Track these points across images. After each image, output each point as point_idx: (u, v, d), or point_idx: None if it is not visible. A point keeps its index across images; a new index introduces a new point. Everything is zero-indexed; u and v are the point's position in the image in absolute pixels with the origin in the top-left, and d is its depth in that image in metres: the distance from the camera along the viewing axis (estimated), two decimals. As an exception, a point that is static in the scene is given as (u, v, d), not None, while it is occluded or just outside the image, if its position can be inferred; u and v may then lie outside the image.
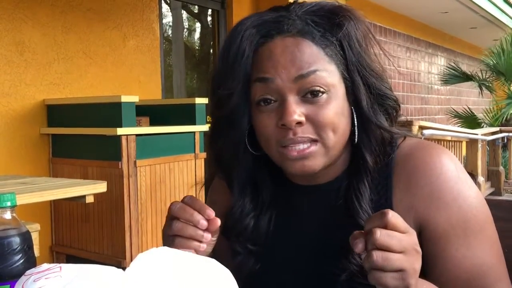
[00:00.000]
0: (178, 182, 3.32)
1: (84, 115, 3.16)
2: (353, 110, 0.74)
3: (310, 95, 0.71)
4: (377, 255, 0.56)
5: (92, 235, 3.16)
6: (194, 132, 3.44)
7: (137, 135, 3.03)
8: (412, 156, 0.75)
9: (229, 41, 0.74)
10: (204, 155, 3.52)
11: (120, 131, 2.92)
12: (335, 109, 0.72)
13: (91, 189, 2.06)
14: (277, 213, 0.81)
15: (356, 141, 0.75)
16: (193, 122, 3.45)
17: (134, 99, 3.03)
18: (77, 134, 3.17)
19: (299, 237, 0.80)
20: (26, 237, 0.71)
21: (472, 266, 0.72)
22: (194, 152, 3.44)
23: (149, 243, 3.14)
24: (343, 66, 0.73)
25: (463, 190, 0.74)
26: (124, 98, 2.95)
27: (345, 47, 0.72)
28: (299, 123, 0.70)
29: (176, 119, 3.48)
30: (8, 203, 0.71)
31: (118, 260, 3.01)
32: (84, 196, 2.03)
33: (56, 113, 3.30)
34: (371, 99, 0.74)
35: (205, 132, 3.55)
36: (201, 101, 3.53)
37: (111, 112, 2.98)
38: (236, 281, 0.77)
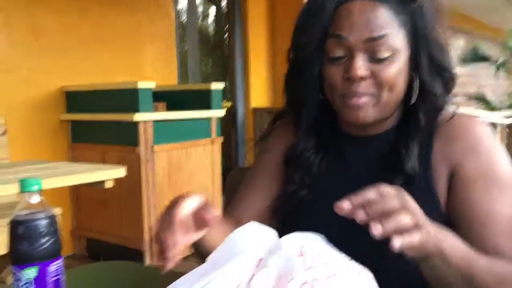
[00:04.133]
0: (194, 167, 3.36)
1: (102, 101, 3.20)
2: (414, 75, 0.83)
3: (376, 56, 0.79)
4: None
5: (112, 218, 3.22)
6: (210, 118, 3.46)
7: (154, 120, 3.06)
8: (455, 119, 0.84)
9: (312, 0, 0.84)
10: (220, 139, 3.54)
11: (137, 116, 2.95)
12: (396, 71, 0.80)
13: (110, 174, 2.10)
14: (328, 158, 0.90)
15: (412, 103, 0.83)
16: (209, 107, 3.47)
17: (151, 85, 3.05)
18: (96, 120, 3.22)
19: (345, 181, 0.87)
20: (52, 220, 0.74)
21: (489, 213, 0.77)
22: (211, 137, 3.46)
23: (167, 227, 3.19)
24: (411, 34, 0.81)
25: (496, 152, 0.81)
26: (141, 84, 2.98)
27: (417, 17, 0.81)
28: (363, 78, 0.79)
29: (192, 104, 3.50)
30: (35, 187, 0.73)
31: (138, 243, 3.07)
32: (103, 181, 2.07)
33: (75, 99, 3.35)
34: (431, 69, 0.82)
35: (221, 118, 3.57)
36: (217, 86, 3.54)
37: (128, 98, 3.01)
38: (285, 205, 0.90)
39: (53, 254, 0.73)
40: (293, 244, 0.62)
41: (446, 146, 0.82)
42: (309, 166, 0.90)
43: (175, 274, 1.20)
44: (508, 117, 6.09)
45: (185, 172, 3.29)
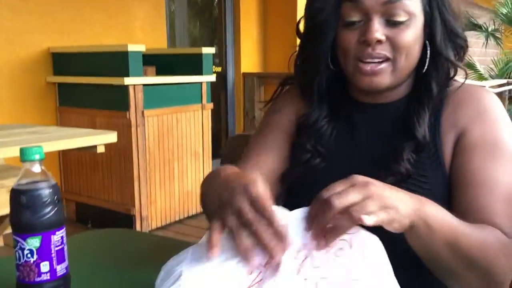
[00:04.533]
0: (185, 132, 3.33)
1: (90, 64, 3.13)
2: (427, 43, 0.83)
3: (393, 19, 0.79)
4: (353, 211, 0.58)
5: (101, 183, 3.20)
6: (201, 83, 3.41)
7: (144, 85, 3.01)
8: (465, 88, 0.85)
9: None
10: (211, 105, 3.51)
11: (127, 80, 2.90)
12: (412, 36, 0.80)
13: (102, 139, 2.06)
14: (338, 126, 0.90)
15: (424, 71, 0.84)
16: (199, 72, 3.41)
17: (141, 48, 2.98)
18: (84, 83, 3.15)
19: (355, 148, 0.88)
20: (55, 189, 0.72)
21: (488, 179, 0.77)
22: (201, 102, 3.42)
23: (158, 192, 3.19)
24: (426, 0, 0.81)
25: (502, 121, 0.82)
26: (131, 47, 2.91)
27: None
28: (379, 41, 0.79)
29: (182, 68, 3.44)
30: (37, 156, 0.71)
31: (128, 208, 3.07)
32: (95, 146, 2.04)
33: (62, 61, 3.27)
34: (444, 35, 0.82)
35: (212, 83, 3.52)
36: (208, 50, 3.48)
37: (117, 62, 2.94)
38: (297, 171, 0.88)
39: (57, 223, 0.71)
40: (300, 217, 0.62)
41: (454, 113, 0.83)
42: (321, 135, 0.89)
43: (174, 242, 1.19)
44: (497, 86, 6.13)
45: (175, 137, 3.27)
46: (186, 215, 3.41)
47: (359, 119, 0.90)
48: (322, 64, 0.87)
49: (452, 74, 0.86)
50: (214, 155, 3.68)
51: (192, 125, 3.38)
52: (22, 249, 0.70)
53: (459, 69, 0.86)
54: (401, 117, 0.85)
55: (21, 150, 0.71)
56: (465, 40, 0.85)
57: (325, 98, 0.90)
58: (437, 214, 0.66)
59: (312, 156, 0.88)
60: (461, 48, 0.85)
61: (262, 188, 0.60)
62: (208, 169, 3.51)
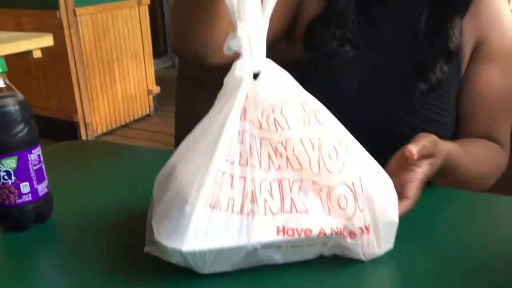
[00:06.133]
0: (122, 32, 3.13)
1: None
2: None
3: None
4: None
5: (37, 90, 3.02)
6: (134, -25, 3.15)
7: (72, -21, 2.74)
8: None
9: None
10: (147, 0, 3.28)
11: (52, -25, 2.62)
12: None
13: (37, 42, 1.89)
14: (360, 19, 0.83)
15: None
16: (131, -37, 3.14)
17: None
18: (2, -21, 2.82)
19: (379, 45, 0.82)
20: (25, 105, 0.66)
21: (500, 94, 0.80)
22: (137, -3, 3.19)
23: (100, 96, 3.06)
24: None
25: None
26: None
27: None
28: None
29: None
30: (-1, 69, 0.64)
31: (70, 115, 2.94)
32: (30, 51, 1.87)
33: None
34: None
35: (146, -25, 3.27)
36: None
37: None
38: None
39: (32, 141, 0.66)
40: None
41: (474, 18, 0.80)
42: (350, 21, 0.81)
43: (146, 150, 1.16)
44: None
45: (112, 37, 3.07)
46: (131, 119, 3.33)
47: (380, 13, 0.82)
48: None
49: None
50: (155, 55, 3.53)
51: (130, 24, 3.18)
52: (-3, 171, 0.65)
53: None
54: (427, 19, 0.80)
55: (-20, 63, 0.63)
56: None
57: None
58: (456, 171, 0.71)
59: (340, 44, 0.80)
60: None
61: None
62: (151, 69, 3.38)
